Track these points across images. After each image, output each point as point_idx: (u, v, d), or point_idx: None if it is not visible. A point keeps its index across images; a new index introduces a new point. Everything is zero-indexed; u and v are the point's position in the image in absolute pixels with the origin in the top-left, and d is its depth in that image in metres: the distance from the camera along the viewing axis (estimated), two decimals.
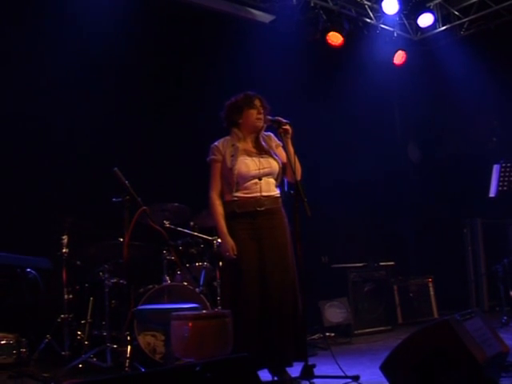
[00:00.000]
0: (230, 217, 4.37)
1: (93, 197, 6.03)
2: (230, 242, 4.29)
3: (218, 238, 5.02)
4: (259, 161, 4.40)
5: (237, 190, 4.34)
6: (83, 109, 6.30)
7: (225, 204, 4.40)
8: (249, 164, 4.36)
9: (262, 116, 4.44)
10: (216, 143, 4.50)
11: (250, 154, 4.42)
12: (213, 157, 4.47)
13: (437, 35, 8.84)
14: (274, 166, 4.44)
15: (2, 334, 5.02)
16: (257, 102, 4.46)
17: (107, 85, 6.48)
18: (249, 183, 4.35)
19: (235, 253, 4.27)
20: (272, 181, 4.43)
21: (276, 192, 4.46)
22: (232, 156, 4.38)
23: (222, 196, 4.43)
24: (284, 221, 4.44)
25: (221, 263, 5.24)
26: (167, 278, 5.61)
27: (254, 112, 4.44)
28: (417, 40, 9.00)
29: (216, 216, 4.39)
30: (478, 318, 3.70)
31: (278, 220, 4.41)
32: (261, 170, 4.37)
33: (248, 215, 4.34)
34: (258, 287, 4.24)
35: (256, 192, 4.34)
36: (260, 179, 4.36)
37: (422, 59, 8.90)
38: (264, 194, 4.36)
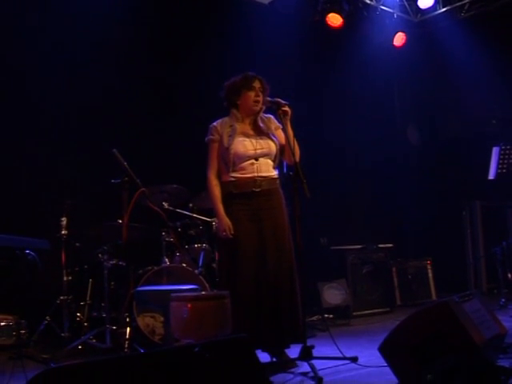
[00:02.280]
0: (227, 197, 4.36)
1: (92, 178, 6.02)
2: (227, 221, 4.28)
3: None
4: (256, 141, 4.38)
5: (233, 171, 4.33)
6: (82, 90, 6.26)
7: (222, 184, 4.39)
8: (246, 144, 4.34)
9: (260, 98, 4.40)
10: (214, 123, 4.48)
11: (247, 135, 4.39)
12: (210, 137, 4.45)
13: (437, 17, 8.77)
14: (272, 146, 4.41)
15: (2, 316, 5.05)
16: (256, 84, 4.41)
17: (106, 66, 6.45)
18: (245, 163, 4.33)
19: (232, 232, 4.27)
20: (269, 162, 4.41)
21: (273, 173, 4.43)
22: (229, 136, 4.36)
23: (219, 176, 4.42)
24: (282, 202, 4.43)
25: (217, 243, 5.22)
26: (166, 259, 5.62)
27: (251, 94, 4.40)
28: (417, 22, 8.94)
29: (212, 196, 4.39)
30: (476, 300, 3.71)
31: (276, 201, 4.40)
32: (258, 151, 4.35)
33: (245, 196, 4.32)
34: (255, 267, 4.23)
35: (252, 172, 4.32)
36: (257, 160, 4.34)
37: (421, 41, 8.85)
38: (261, 174, 4.33)
